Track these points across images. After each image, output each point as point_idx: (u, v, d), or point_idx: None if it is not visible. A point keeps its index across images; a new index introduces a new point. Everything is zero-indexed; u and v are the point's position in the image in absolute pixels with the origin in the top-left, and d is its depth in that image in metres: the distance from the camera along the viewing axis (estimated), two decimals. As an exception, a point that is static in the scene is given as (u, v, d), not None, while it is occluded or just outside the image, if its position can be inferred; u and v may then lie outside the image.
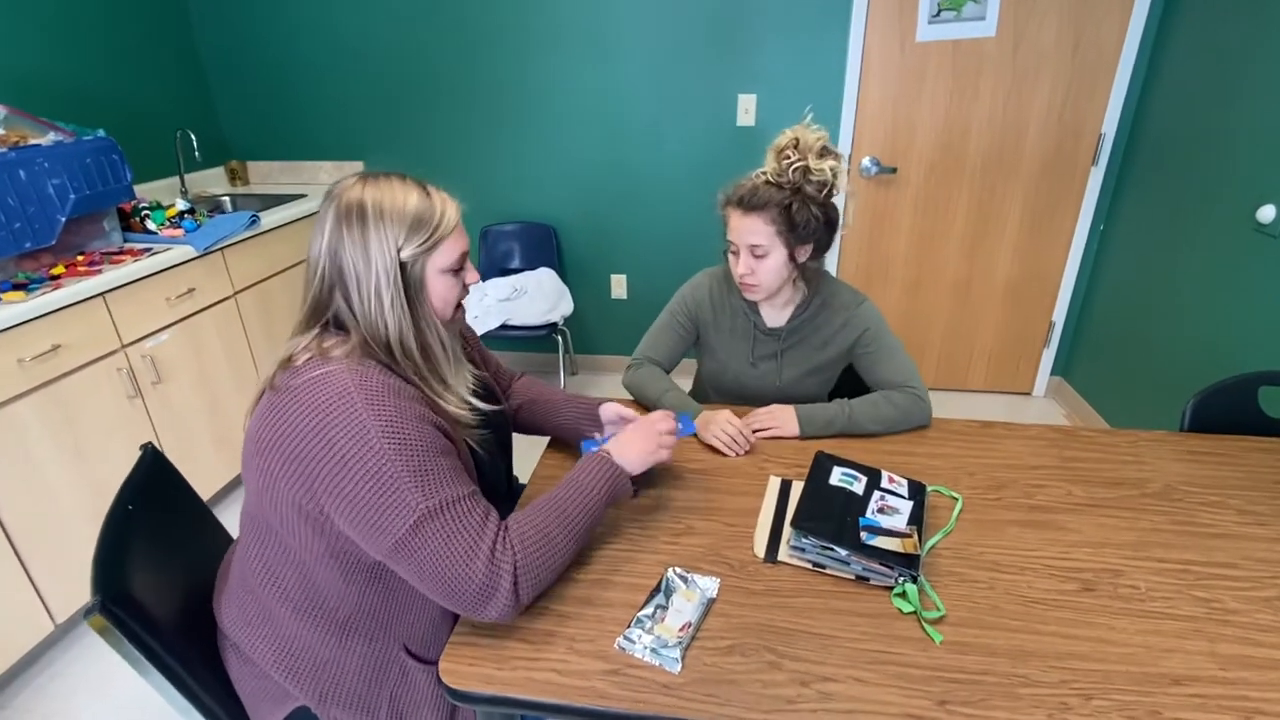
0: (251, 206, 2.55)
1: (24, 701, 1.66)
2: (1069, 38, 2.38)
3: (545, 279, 2.85)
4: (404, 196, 0.87)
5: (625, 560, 1.00)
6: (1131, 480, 1.17)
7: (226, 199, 2.80)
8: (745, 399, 1.46)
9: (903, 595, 0.91)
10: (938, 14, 2.41)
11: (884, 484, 1.09)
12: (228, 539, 1.18)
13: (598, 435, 1.22)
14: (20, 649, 1.68)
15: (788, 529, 1.02)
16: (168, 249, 2.02)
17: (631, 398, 1.45)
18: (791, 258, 1.32)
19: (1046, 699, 0.77)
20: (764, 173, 1.29)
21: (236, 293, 2.29)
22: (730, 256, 1.36)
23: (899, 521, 1.00)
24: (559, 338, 2.92)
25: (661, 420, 1.06)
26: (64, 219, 1.83)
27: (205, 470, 2.22)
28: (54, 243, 1.82)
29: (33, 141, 1.84)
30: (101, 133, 1.99)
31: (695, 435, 1.29)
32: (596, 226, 2.97)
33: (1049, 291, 2.77)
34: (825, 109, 2.59)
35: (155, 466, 1.06)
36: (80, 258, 1.92)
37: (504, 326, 2.70)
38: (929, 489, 1.13)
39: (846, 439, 1.30)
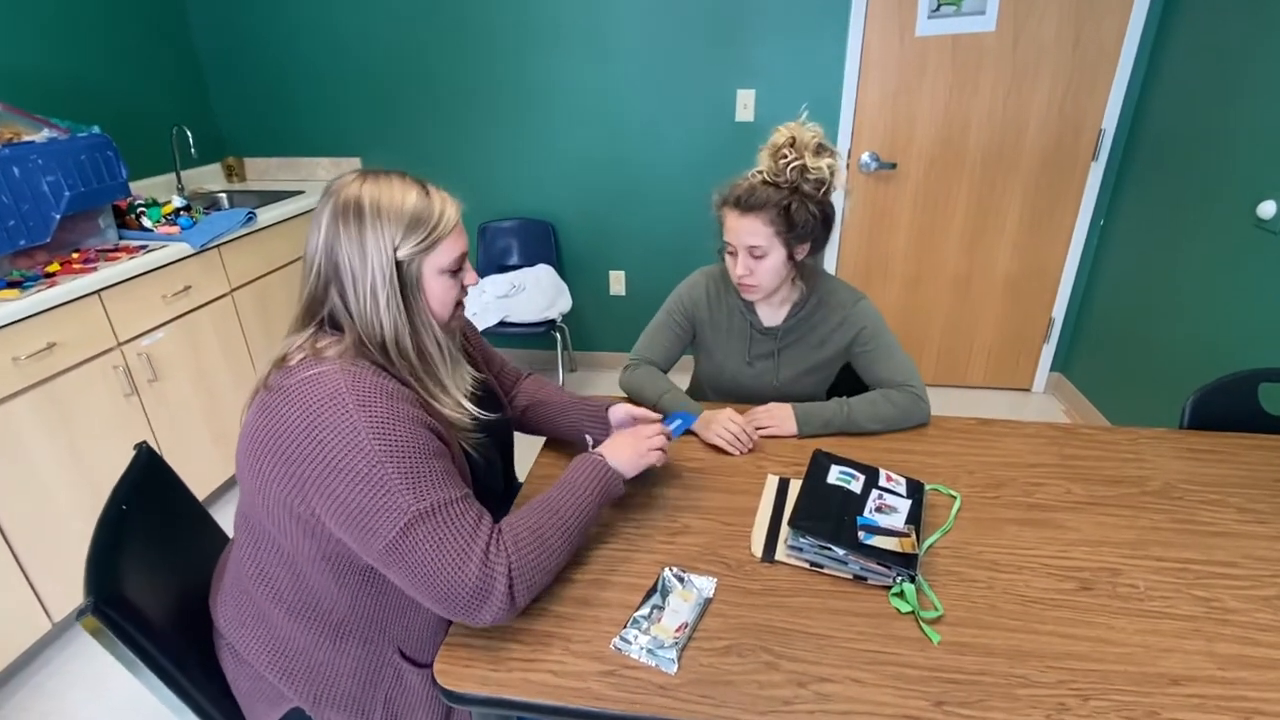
0: (248, 203, 2.54)
1: (21, 700, 1.66)
2: (1069, 32, 2.36)
3: (543, 275, 2.84)
4: (402, 195, 0.86)
5: (621, 560, 1.00)
6: (1131, 478, 1.16)
7: (223, 195, 2.79)
8: (743, 398, 1.45)
9: (900, 595, 0.90)
10: (937, 9, 2.40)
11: (882, 482, 1.08)
12: (224, 538, 1.17)
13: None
14: (17, 648, 1.68)
15: (785, 528, 1.02)
16: (164, 246, 2.01)
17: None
18: (790, 257, 1.31)
19: (1044, 699, 0.77)
20: (760, 172, 1.28)
21: (233, 290, 2.28)
22: (727, 257, 1.35)
23: (897, 520, 1.00)
24: (557, 335, 2.91)
25: (648, 429, 1.06)
26: (59, 216, 1.82)
27: (203, 468, 2.21)
28: (49, 240, 1.81)
29: (26, 138, 1.83)
30: (96, 129, 1.97)
31: (695, 434, 1.28)
32: (595, 223, 2.96)
33: (1049, 287, 2.76)
34: (824, 104, 2.58)
35: (150, 466, 1.05)
36: (75, 255, 1.91)
37: (502, 323, 2.69)
38: (927, 487, 1.12)
39: (845, 437, 1.29)
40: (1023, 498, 1.11)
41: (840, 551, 0.94)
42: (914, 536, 0.96)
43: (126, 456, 1.02)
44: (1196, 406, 1.36)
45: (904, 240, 2.78)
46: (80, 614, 0.77)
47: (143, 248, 1.99)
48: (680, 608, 0.89)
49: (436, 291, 0.91)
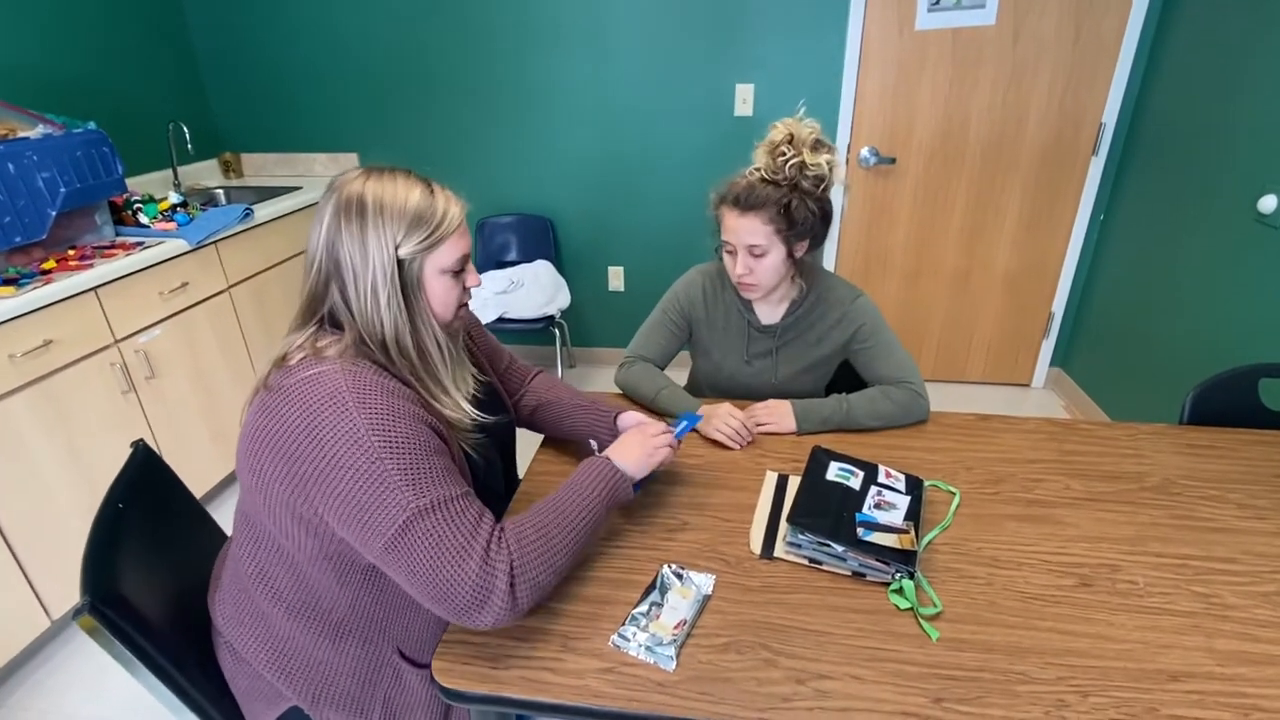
0: (245, 199, 2.53)
1: (20, 698, 1.66)
2: (1069, 26, 2.35)
3: (542, 271, 2.84)
4: (406, 193, 0.86)
5: (620, 557, 0.99)
6: (1130, 474, 1.16)
7: (220, 192, 2.78)
8: (741, 397, 1.44)
9: (899, 591, 0.90)
10: (937, 2, 2.38)
11: (881, 479, 1.08)
12: (221, 537, 1.17)
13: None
14: (16, 645, 1.68)
15: (784, 525, 1.01)
16: (160, 243, 2.01)
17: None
18: (790, 254, 1.30)
19: (1043, 696, 0.77)
20: (757, 169, 1.26)
21: (230, 286, 2.27)
22: (726, 256, 1.34)
23: (896, 517, 0.99)
24: (556, 330, 2.91)
25: (654, 426, 1.05)
26: (54, 213, 1.81)
27: (201, 466, 2.21)
28: (44, 237, 1.81)
29: (21, 134, 1.82)
30: (92, 125, 1.96)
31: (696, 430, 1.28)
32: (594, 218, 2.95)
33: (1048, 282, 2.76)
34: (823, 99, 2.57)
35: (146, 464, 1.05)
36: (71, 252, 1.90)
37: (501, 319, 2.68)
38: (926, 484, 1.12)
39: (844, 433, 1.29)
40: (1022, 494, 1.11)
41: (839, 548, 0.93)
42: (913, 533, 0.96)
43: (124, 454, 1.02)
44: (1196, 402, 1.36)
45: (903, 235, 2.78)
46: (77, 613, 0.77)
47: (139, 244, 1.99)
48: (679, 605, 0.89)
49: (438, 291, 0.90)
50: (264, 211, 2.38)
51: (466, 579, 0.77)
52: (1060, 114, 2.48)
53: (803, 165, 1.22)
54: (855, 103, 2.58)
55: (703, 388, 1.56)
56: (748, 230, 1.26)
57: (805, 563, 0.97)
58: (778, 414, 1.30)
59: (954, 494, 1.11)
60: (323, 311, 0.87)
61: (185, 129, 2.57)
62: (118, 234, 2.07)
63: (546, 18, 2.61)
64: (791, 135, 1.23)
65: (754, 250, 1.27)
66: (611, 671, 0.82)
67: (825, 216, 1.29)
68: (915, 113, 2.56)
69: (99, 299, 1.80)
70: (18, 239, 1.74)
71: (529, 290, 2.74)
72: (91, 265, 1.81)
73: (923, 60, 2.48)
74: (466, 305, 0.99)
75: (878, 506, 1.01)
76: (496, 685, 0.80)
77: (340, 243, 0.84)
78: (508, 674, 0.81)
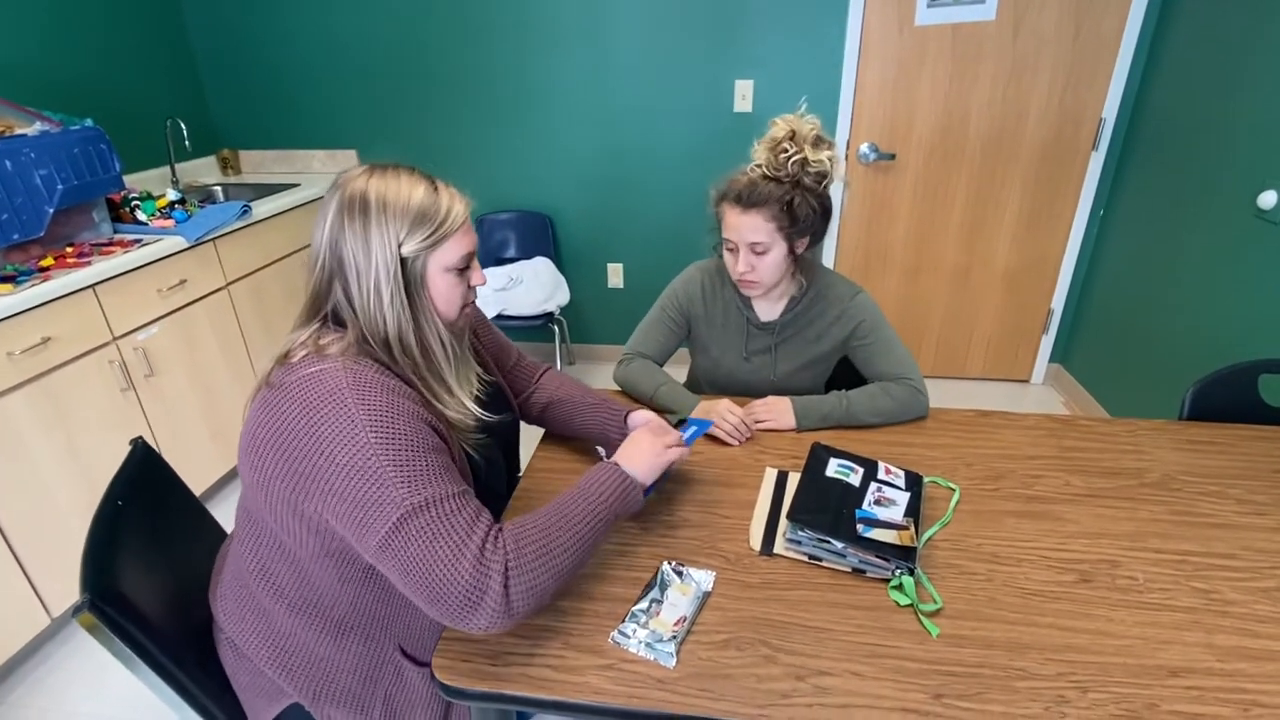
0: (244, 196, 2.52)
1: (20, 696, 1.66)
2: (1069, 22, 2.35)
3: (541, 268, 2.83)
4: (409, 190, 0.85)
5: (620, 554, 0.99)
6: (1130, 470, 1.16)
7: (218, 189, 2.77)
8: (740, 394, 1.44)
9: (899, 588, 0.90)
10: (937, -3, 2.38)
11: (881, 475, 1.08)
12: (221, 534, 1.17)
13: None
14: (16, 643, 1.68)
15: (784, 521, 1.01)
16: (158, 240, 2.00)
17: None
18: (791, 251, 1.29)
19: (1043, 692, 0.77)
20: (759, 166, 1.26)
21: (229, 283, 2.27)
22: (726, 254, 1.33)
23: (896, 513, 0.99)
24: (556, 327, 2.91)
25: (664, 434, 1.02)
26: (52, 210, 1.81)
27: (201, 463, 2.21)
28: (42, 234, 1.80)
29: (19, 131, 1.81)
30: (89, 122, 1.96)
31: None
32: (593, 215, 2.94)
33: (1048, 278, 2.76)
34: (823, 95, 2.56)
35: (145, 461, 1.05)
36: (69, 249, 1.90)
37: (500, 316, 2.68)
38: (926, 480, 1.12)
39: (843, 430, 1.29)
40: (1022, 490, 1.11)
41: (839, 544, 0.93)
42: (913, 529, 0.96)
43: (123, 451, 1.02)
44: (1196, 398, 1.36)
45: (903, 231, 2.77)
46: (76, 610, 0.77)
47: (137, 241, 1.98)
48: (679, 601, 0.89)
49: (442, 289, 0.90)
50: (262, 208, 2.38)
51: (459, 579, 0.75)
52: (1060, 109, 2.47)
53: (805, 162, 1.22)
54: (855, 98, 2.57)
55: (701, 384, 1.56)
56: (750, 228, 1.25)
57: (805, 559, 0.97)
58: (777, 411, 1.30)
59: (954, 490, 1.11)
60: (326, 309, 0.87)
61: (183, 126, 2.56)
62: (116, 231, 2.07)
63: (545, 14, 2.61)
64: (793, 132, 1.22)
65: (756, 248, 1.27)
66: (612, 668, 0.82)
67: (826, 213, 1.29)
68: (915, 108, 2.56)
69: (97, 296, 1.80)
70: (15, 236, 1.74)
71: (528, 287, 2.74)
72: (89, 262, 1.81)
73: (922, 56, 2.48)
74: (472, 303, 0.98)
75: (877, 503, 1.01)
76: (497, 683, 0.80)
77: (343, 240, 0.84)
78: (508, 671, 0.81)
